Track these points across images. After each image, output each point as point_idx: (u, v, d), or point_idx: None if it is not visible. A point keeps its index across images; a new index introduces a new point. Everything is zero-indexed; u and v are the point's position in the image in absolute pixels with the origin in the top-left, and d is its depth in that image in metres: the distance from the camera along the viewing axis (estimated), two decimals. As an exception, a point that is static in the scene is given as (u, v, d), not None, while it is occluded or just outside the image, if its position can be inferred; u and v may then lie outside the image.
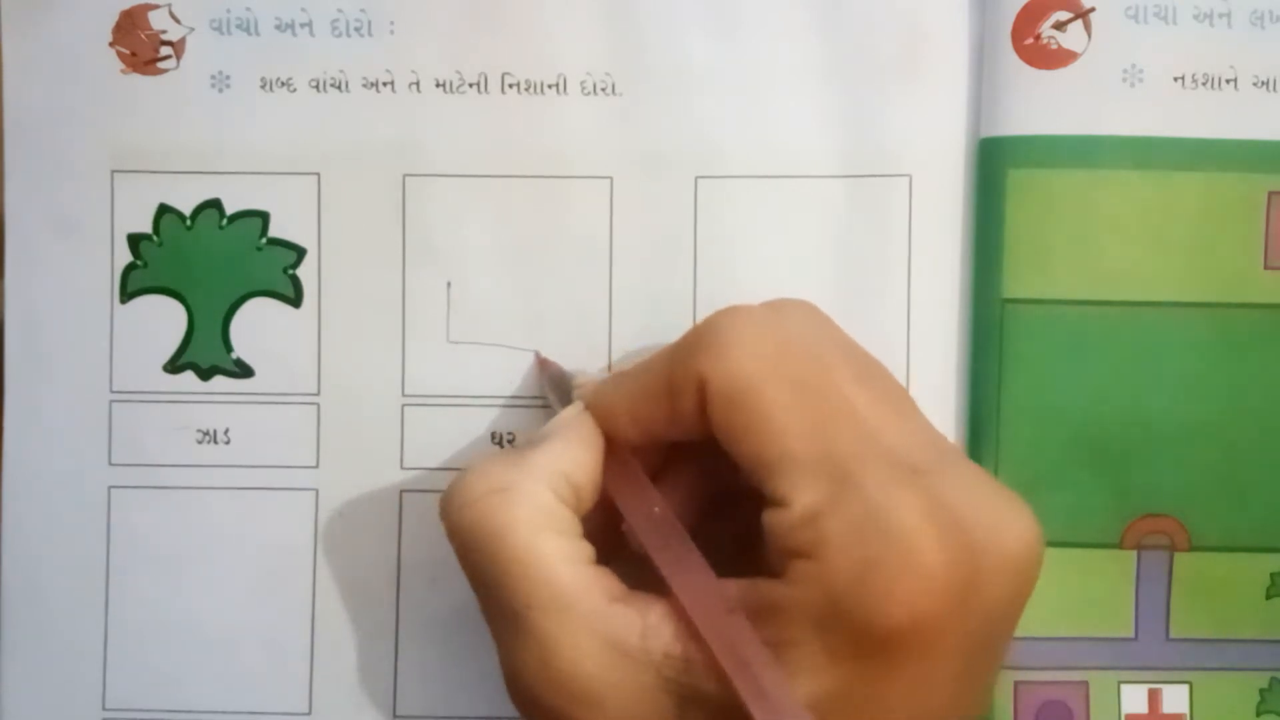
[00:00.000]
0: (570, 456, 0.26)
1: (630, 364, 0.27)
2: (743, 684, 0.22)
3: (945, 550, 0.22)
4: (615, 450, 0.26)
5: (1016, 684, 0.30)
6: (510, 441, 0.31)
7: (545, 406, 0.30)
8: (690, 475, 0.27)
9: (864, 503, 0.22)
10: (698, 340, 0.25)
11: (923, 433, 0.25)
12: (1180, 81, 0.30)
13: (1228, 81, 0.30)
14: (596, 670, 0.23)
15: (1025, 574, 0.24)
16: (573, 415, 0.27)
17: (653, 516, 0.25)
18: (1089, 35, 0.30)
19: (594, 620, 0.23)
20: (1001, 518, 0.23)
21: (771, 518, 0.23)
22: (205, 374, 0.31)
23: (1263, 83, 0.30)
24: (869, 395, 0.24)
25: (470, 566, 0.25)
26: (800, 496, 0.23)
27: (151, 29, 0.31)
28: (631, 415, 0.26)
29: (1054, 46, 0.30)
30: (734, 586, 0.24)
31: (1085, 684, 0.30)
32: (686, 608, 0.24)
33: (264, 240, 0.31)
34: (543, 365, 0.31)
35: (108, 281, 0.31)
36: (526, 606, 0.24)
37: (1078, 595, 0.30)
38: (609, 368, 0.31)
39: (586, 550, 0.25)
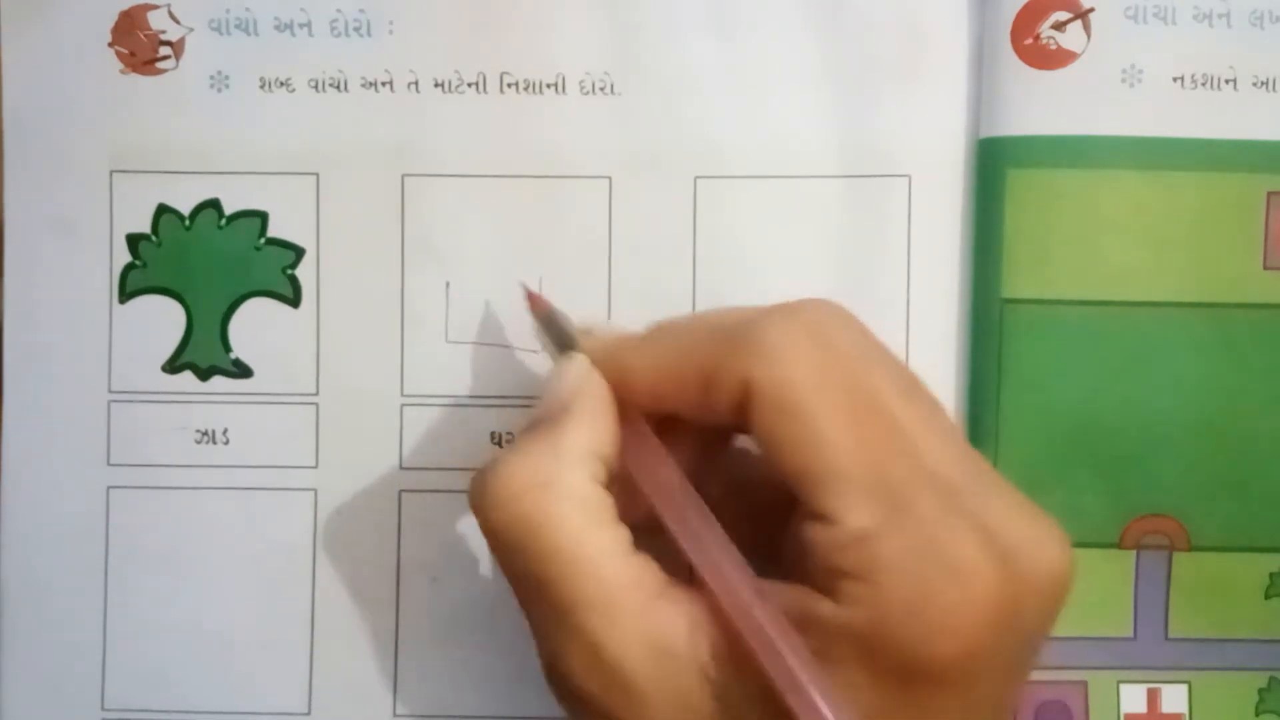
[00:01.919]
0: (600, 432, 0.25)
1: (647, 330, 0.26)
2: (790, 693, 0.22)
3: (997, 578, 0.22)
4: (626, 413, 0.26)
5: (1016, 684, 0.30)
6: (510, 439, 0.31)
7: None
8: (689, 435, 0.26)
9: (920, 529, 0.22)
10: (745, 340, 0.24)
11: (961, 451, 0.24)
12: (1179, 82, 0.30)
13: (1227, 81, 0.30)
14: (642, 668, 0.23)
15: (1061, 595, 0.23)
16: (584, 376, 0.26)
17: (673, 489, 0.25)
18: (1088, 35, 0.30)
19: (641, 619, 0.23)
20: (1040, 540, 0.23)
21: (817, 533, 0.23)
22: (204, 374, 0.31)
23: (1262, 83, 0.30)
24: (912, 412, 0.24)
25: (511, 564, 0.24)
26: (851, 516, 0.22)
27: (150, 29, 0.31)
28: (653, 390, 0.25)
29: (1053, 47, 0.30)
30: (774, 590, 0.23)
31: (1084, 684, 0.30)
32: (722, 602, 0.23)
33: (263, 240, 0.31)
34: (533, 301, 0.28)
35: (106, 281, 0.31)
36: (573, 604, 0.23)
37: (1077, 595, 0.30)
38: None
39: (627, 538, 0.24)
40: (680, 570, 0.24)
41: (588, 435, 0.25)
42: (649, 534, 0.25)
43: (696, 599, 0.24)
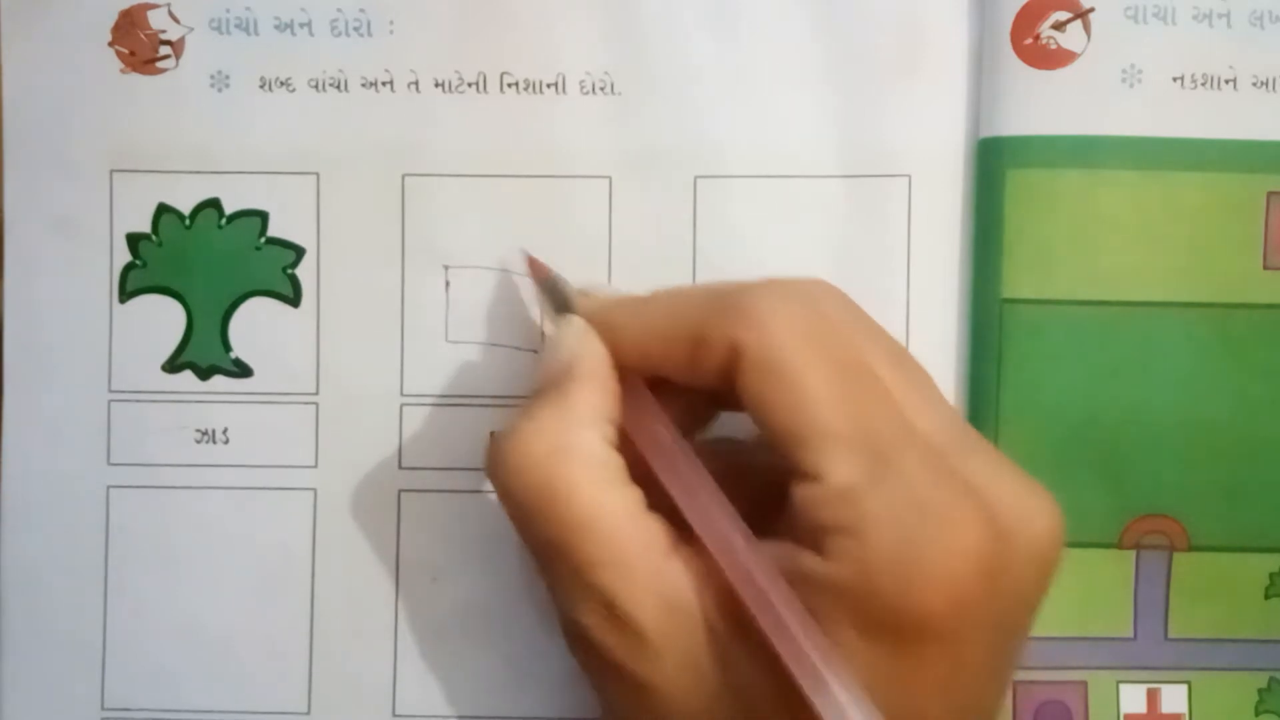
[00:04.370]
0: (606, 395, 0.26)
1: (640, 294, 0.27)
2: (780, 642, 0.23)
3: (981, 535, 0.22)
4: (623, 373, 0.26)
5: (1015, 684, 0.30)
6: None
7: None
8: (680, 402, 0.27)
9: (903, 483, 0.22)
10: (735, 305, 0.24)
11: (950, 418, 0.25)
12: (1179, 82, 0.30)
13: (1227, 81, 0.30)
14: (653, 623, 0.24)
15: (1051, 559, 0.24)
16: (582, 338, 0.26)
17: (667, 445, 0.25)
18: (1088, 35, 0.30)
19: (652, 576, 0.24)
20: (1028, 503, 0.24)
21: (803, 491, 0.23)
22: (204, 373, 0.31)
23: (1262, 83, 0.30)
24: (900, 378, 0.24)
25: (528, 528, 0.25)
26: (836, 471, 0.23)
27: (151, 28, 0.31)
28: (642, 350, 0.26)
29: (1053, 46, 0.30)
30: (766, 548, 0.24)
31: (1084, 684, 0.30)
32: (713, 553, 0.24)
33: (263, 240, 0.31)
34: (533, 266, 0.29)
35: (107, 281, 0.31)
36: (589, 564, 0.24)
37: (1076, 595, 0.30)
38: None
39: (640, 498, 0.25)
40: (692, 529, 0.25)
41: (595, 398, 0.25)
42: (663, 493, 0.25)
43: (704, 554, 0.24)
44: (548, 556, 0.25)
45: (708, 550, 0.24)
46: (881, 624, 0.22)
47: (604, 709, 0.26)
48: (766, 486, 0.25)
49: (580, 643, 0.25)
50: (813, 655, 0.22)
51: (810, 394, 0.23)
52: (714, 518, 0.24)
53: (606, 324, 0.26)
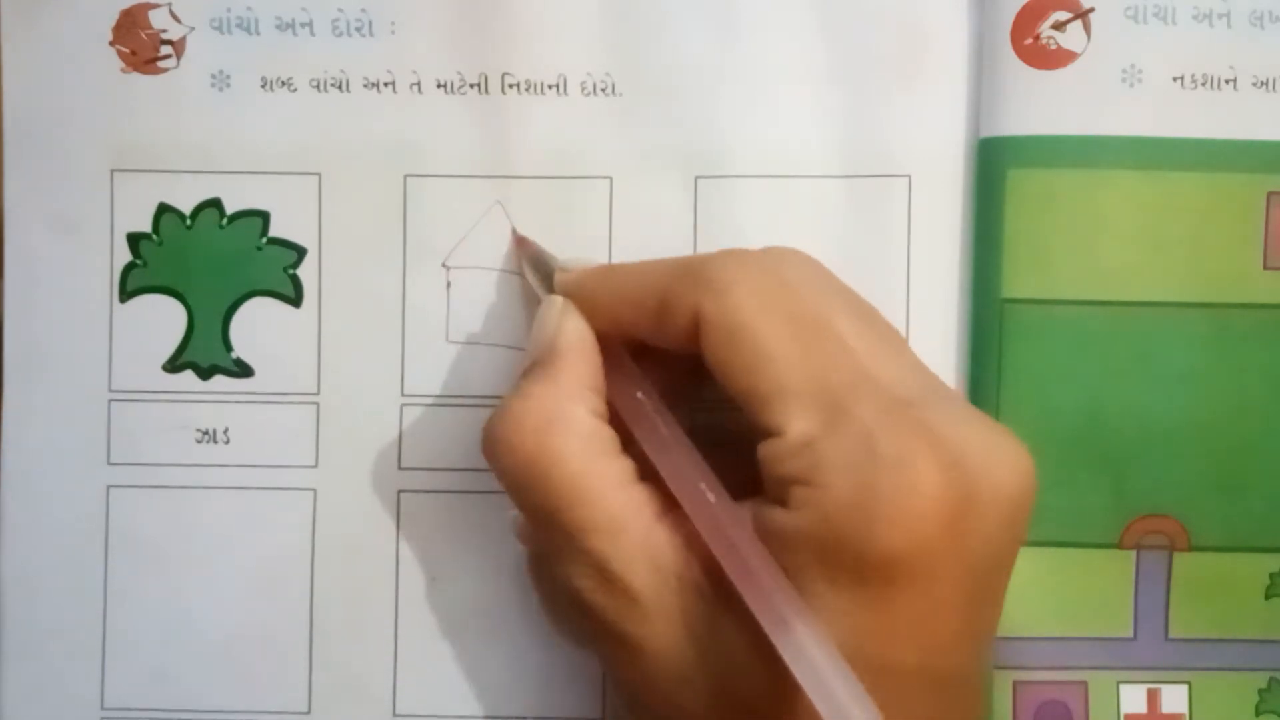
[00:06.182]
0: (592, 366, 0.27)
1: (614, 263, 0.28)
2: (745, 587, 0.23)
3: (940, 475, 0.23)
4: (604, 340, 0.27)
5: (1015, 684, 0.30)
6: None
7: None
8: (661, 369, 0.28)
9: (858, 430, 0.23)
10: (699, 275, 0.25)
11: (917, 370, 0.26)
12: (1179, 82, 0.30)
13: (1227, 82, 0.30)
14: (645, 585, 0.25)
15: (1019, 503, 0.24)
16: (563, 316, 0.27)
17: (643, 405, 0.26)
18: (1088, 35, 0.30)
19: (642, 540, 0.25)
20: (994, 448, 0.24)
21: (766, 448, 0.24)
22: (205, 373, 0.31)
23: (1262, 83, 0.30)
24: (863, 333, 0.25)
25: (524, 500, 0.26)
26: (794, 425, 0.24)
27: (152, 28, 0.31)
28: (613, 316, 0.27)
29: (1053, 47, 0.30)
30: (741, 505, 0.25)
31: (1084, 684, 0.30)
32: (685, 507, 0.25)
33: (264, 240, 0.31)
34: (521, 244, 0.31)
35: (107, 281, 0.31)
36: (582, 531, 0.25)
37: (1077, 595, 0.30)
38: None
39: (630, 468, 0.26)
40: None
41: (579, 372, 0.26)
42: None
43: (690, 519, 0.25)
44: (543, 525, 0.26)
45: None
46: (846, 568, 0.23)
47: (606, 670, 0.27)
48: (753, 452, 0.26)
49: (576, 607, 0.26)
50: (776, 597, 0.23)
51: (767, 354, 0.24)
52: (685, 472, 0.25)
53: (581, 294, 0.27)
